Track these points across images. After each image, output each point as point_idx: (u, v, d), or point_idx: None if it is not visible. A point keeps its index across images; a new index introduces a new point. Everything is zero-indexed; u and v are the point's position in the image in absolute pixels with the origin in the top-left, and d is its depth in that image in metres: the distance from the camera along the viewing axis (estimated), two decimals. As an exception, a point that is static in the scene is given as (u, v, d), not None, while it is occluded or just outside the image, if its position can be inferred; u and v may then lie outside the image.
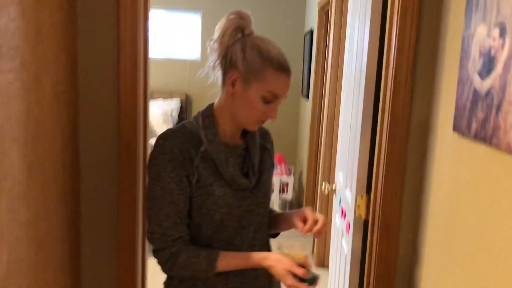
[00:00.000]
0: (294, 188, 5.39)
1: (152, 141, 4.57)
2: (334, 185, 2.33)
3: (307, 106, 4.91)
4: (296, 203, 5.30)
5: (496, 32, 1.02)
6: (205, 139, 1.19)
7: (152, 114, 5.20)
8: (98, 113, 1.52)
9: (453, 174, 1.26)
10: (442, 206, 1.32)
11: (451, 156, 1.27)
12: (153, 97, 5.67)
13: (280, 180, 4.96)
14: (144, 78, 1.61)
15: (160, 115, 5.31)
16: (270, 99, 1.18)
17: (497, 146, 1.00)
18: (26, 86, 1.13)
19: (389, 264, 1.55)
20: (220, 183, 1.18)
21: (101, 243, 1.60)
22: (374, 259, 1.56)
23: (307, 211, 1.26)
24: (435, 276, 1.35)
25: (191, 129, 1.22)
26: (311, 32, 4.84)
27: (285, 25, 5.71)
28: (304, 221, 1.25)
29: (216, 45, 1.20)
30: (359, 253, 1.76)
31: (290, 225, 1.31)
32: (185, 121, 1.26)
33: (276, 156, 5.25)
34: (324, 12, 4.26)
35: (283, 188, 5.04)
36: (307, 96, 4.93)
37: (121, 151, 1.55)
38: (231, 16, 1.18)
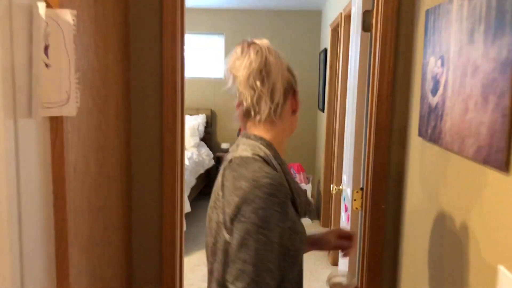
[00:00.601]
0: (312, 195, 5.74)
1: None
2: (340, 186, 2.70)
3: (323, 118, 5.29)
4: (314, 210, 5.64)
5: (439, 62, 1.41)
6: (281, 170, 1.09)
7: (181, 129, 5.66)
8: (146, 127, 1.95)
9: (420, 169, 1.63)
10: (415, 194, 1.69)
11: (417, 155, 1.65)
12: (181, 113, 6.14)
13: (299, 188, 5.31)
14: (181, 99, 2.03)
15: (188, 129, 5.76)
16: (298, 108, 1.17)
17: (442, 146, 1.37)
18: (99, 108, 1.57)
19: (379, 243, 1.91)
20: (298, 217, 1.09)
21: (148, 231, 2.02)
22: (367, 239, 1.93)
23: (341, 230, 1.36)
24: (413, 248, 1.71)
25: (264, 159, 1.07)
26: (325, 51, 5.23)
27: (302, 44, 6.12)
28: (341, 237, 1.37)
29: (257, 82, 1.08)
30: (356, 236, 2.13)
31: (326, 246, 1.38)
32: (247, 153, 1.08)
33: (295, 165, 5.63)
34: (336, 33, 4.65)
35: (302, 195, 5.39)
36: (323, 110, 5.30)
37: (164, 157, 1.97)
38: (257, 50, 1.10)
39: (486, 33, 1.08)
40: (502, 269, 1.00)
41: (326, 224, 4.92)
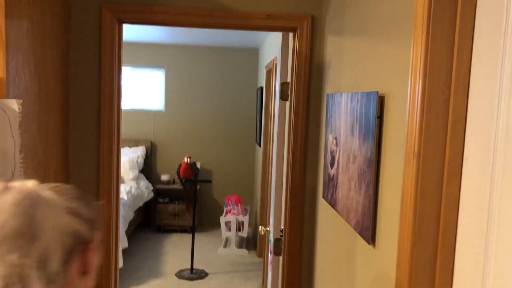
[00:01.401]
0: (251, 225, 5.99)
1: (122, 187, 5.12)
2: (268, 227, 2.96)
3: (260, 152, 5.58)
4: (252, 240, 5.88)
5: (334, 141, 1.70)
6: None
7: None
8: (85, 147, 2.11)
9: (323, 225, 1.92)
10: (321, 244, 1.97)
11: (322, 213, 1.93)
12: (121, 145, 6.21)
13: (237, 219, 5.55)
14: (117, 125, 2.20)
15: (127, 161, 5.85)
16: None
17: (337, 211, 1.66)
18: (40, 178, 1.73)
19: (295, 282, 2.17)
20: None
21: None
22: (283, 278, 2.19)
23: None
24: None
25: None
26: (262, 89, 5.56)
27: (241, 80, 6.43)
28: None
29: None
30: (276, 280, 2.39)
31: None
32: None
33: (233, 198, 5.86)
34: (270, 74, 4.99)
35: (239, 227, 5.62)
36: (260, 144, 5.60)
37: (100, 196, 2.14)
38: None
39: (360, 132, 1.38)
40: (371, 321, 1.28)
41: (261, 254, 5.16)
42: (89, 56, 2.05)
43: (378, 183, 1.26)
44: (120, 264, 4.30)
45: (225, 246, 5.57)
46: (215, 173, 6.49)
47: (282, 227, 2.36)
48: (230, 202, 5.82)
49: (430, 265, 1.03)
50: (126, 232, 4.85)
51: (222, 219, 5.57)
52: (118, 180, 2.27)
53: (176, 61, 6.38)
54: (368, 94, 1.31)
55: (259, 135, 5.73)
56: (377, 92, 1.24)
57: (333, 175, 1.70)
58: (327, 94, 1.84)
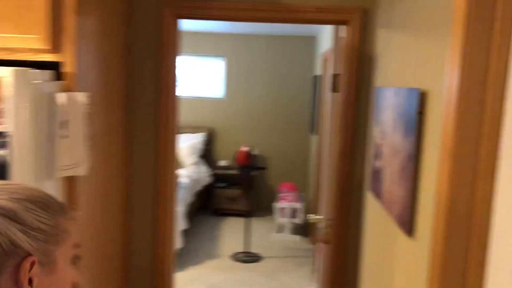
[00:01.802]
0: (304, 212, 6.06)
1: (179, 171, 5.36)
2: (318, 216, 3.02)
3: (314, 141, 5.61)
4: (305, 226, 5.95)
5: (380, 134, 1.73)
6: None
7: (180, 147, 5.98)
8: (142, 169, 2.28)
9: (369, 215, 1.95)
10: (367, 234, 2.01)
11: (368, 204, 1.97)
12: (181, 132, 6.47)
13: (291, 206, 5.64)
14: (173, 112, 2.32)
15: (188, 147, 6.09)
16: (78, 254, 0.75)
17: (382, 203, 1.70)
18: (105, 161, 1.90)
19: (342, 275, 2.23)
20: None
21: (142, 251, 2.35)
22: (331, 265, 2.26)
23: None
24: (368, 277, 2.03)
25: None
26: (317, 77, 5.56)
27: (296, 68, 6.45)
28: None
29: None
30: (325, 267, 2.45)
31: None
32: None
33: (288, 185, 5.94)
34: (326, 63, 4.99)
35: (293, 213, 5.71)
36: (314, 132, 5.62)
37: (159, 186, 2.30)
38: None
39: (402, 127, 1.40)
40: (407, 310, 1.33)
41: (314, 241, 5.23)
42: (148, 50, 2.19)
43: (417, 178, 1.29)
44: (180, 244, 4.54)
45: (279, 231, 5.68)
46: (271, 160, 6.60)
47: (330, 216, 2.42)
48: (285, 189, 5.92)
49: (461, 258, 1.06)
50: (187, 214, 5.08)
51: (277, 206, 5.68)
52: (174, 164, 2.41)
53: (237, 49, 6.51)
54: (410, 90, 1.33)
55: (313, 124, 5.75)
56: (419, 88, 1.27)
57: (378, 168, 1.74)
58: (376, 87, 1.87)
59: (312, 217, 3.05)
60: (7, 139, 1.37)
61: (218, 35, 6.47)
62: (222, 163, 6.55)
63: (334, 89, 2.26)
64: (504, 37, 0.97)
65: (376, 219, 1.81)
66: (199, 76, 6.63)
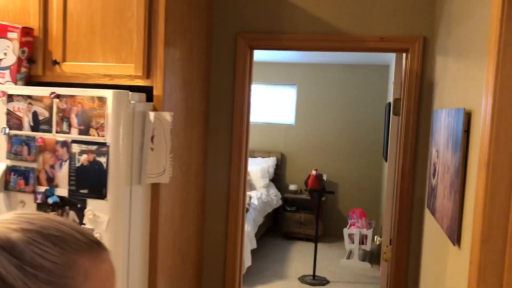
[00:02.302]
0: (373, 239, 6.01)
1: (250, 193, 5.60)
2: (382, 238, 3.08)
3: (387, 167, 5.61)
4: (376, 254, 5.90)
5: (436, 154, 1.83)
6: None
7: (252, 170, 6.24)
8: (218, 184, 2.51)
9: (428, 231, 2.02)
10: (426, 251, 2.07)
11: (427, 222, 2.04)
12: (253, 156, 6.74)
13: (360, 232, 5.64)
14: (246, 134, 2.54)
15: (259, 170, 6.33)
16: None
17: (435, 217, 1.78)
18: (183, 173, 2.15)
19: (400, 292, 2.29)
20: None
21: (214, 265, 2.56)
22: (393, 282, 2.32)
23: None
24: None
25: None
26: (390, 104, 5.61)
27: (369, 95, 6.53)
28: None
29: None
30: (385, 286, 2.51)
31: None
32: None
33: (357, 211, 5.95)
34: (398, 91, 5.04)
35: (362, 240, 5.70)
36: (387, 159, 5.63)
37: (230, 204, 2.52)
38: None
39: (452, 145, 1.51)
40: (454, 317, 1.40)
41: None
42: (225, 78, 2.45)
43: (464, 191, 1.39)
44: (249, 263, 4.73)
45: (348, 257, 5.68)
46: (341, 186, 6.65)
47: (392, 235, 2.50)
48: (354, 215, 5.93)
49: (498, 266, 1.15)
50: (256, 235, 5.27)
51: (346, 231, 5.70)
52: (245, 182, 2.63)
53: (308, 78, 6.73)
54: (458, 110, 1.45)
55: (386, 150, 5.75)
56: (464, 108, 1.38)
57: (434, 185, 1.83)
58: (433, 110, 1.97)
59: (378, 239, 3.12)
60: (106, 149, 1.66)
61: (290, 64, 6.74)
62: (292, 187, 6.70)
63: (395, 112, 2.38)
64: (533, 60, 1.08)
65: (432, 235, 1.89)
66: (271, 103, 6.91)
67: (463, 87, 1.50)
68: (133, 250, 1.76)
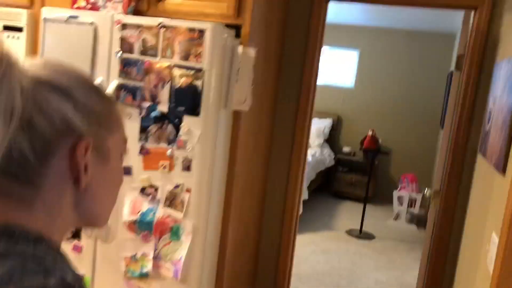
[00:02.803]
0: (424, 206, 6.15)
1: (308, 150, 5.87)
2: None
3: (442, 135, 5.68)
4: (423, 220, 6.05)
5: (492, 101, 2.01)
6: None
7: (309, 129, 6.46)
8: (283, 123, 2.79)
9: (477, 174, 2.22)
10: (474, 197, 2.27)
11: (477, 168, 2.23)
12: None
13: (410, 195, 5.80)
14: (313, 96, 2.81)
15: (315, 130, 6.56)
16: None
17: (486, 157, 1.97)
18: (259, 107, 2.44)
19: (449, 228, 2.51)
20: None
21: (274, 208, 2.87)
22: (440, 220, 2.54)
23: None
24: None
25: None
26: (452, 73, 5.61)
27: (432, 66, 6.52)
28: None
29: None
30: (430, 228, 2.73)
31: None
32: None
33: (409, 176, 6.09)
34: (462, 58, 5.06)
35: (411, 203, 5.86)
36: (443, 127, 5.69)
37: (294, 147, 2.80)
38: None
39: (508, 87, 1.70)
40: (493, 235, 1.63)
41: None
42: (298, 36, 2.69)
43: (514, 126, 1.58)
44: (300, 210, 5.04)
45: (395, 219, 5.88)
46: (394, 151, 6.77)
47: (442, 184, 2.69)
48: (405, 180, 6.08)
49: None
50: (308, 188, 5.56)
51: (396, 193, 5.88)
52: (307, 139, 2.89)
53: (371, 42, 6.78)
54: (509, 60, 1.62)
55: (443, 119, 5.80)
56: (522, 52, 1.56)
57: (488, 130, 2.01)
58: (495, 63, 2.13)
59: (429, 191, 3.31)
60: (202, 74, 1.96)
61: (354, 27, 6.80)
62: (346, 149, 6.89)
63: (458, 67, 2.53)
64: None
65: (481, 173, 2.08)
66: (332, 65, 7.04)
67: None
68: (217, 165, 2.09)
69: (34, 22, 2.66)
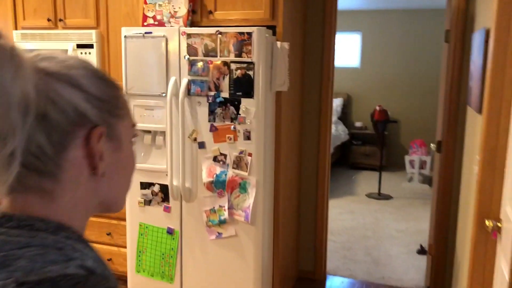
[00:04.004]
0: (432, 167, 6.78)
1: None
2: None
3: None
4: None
5: (473, 64, 2.65)
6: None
7: (323, 109, 7.10)
8: (311, 100, 3.45)
9: (468, 127, 2.87)
10: (468, 142, 2.91)
11: (468, 115, 2.88)
12: (323, 97, 7.59)
13: (420, 158, 6.45)
14: (332, 77, 3.47)
15: (328, 109, 7.19)
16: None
17: (471, 105, 2.62)
18: (293, 88, 3.10)
19: (451, 180, 3.17)
20: None
21: (309, 173, 3.54)
22: (441, 172, 3.20)
23: None
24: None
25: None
26: (447, 44, 6.22)
27: (426, 40, 7.11)
28: None
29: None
30: (436, 174, 3.38)
31: None
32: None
33: (418, 141, 6.72)
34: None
35: (422, 165, 6.50)
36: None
37: (321, 125, 3.46)
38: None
39: (479, 51, 2.34)
40: (476, 156, 2.28)
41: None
42: (316, 25, 3.34)
43: (484, 78, 2.23)
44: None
45: (409, 181, 6.53)
46: (402, 122, 7.40)
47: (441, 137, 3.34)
48: (415, 145, 6.72)
49: (500, 114, 2.01)
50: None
51: (407, 158, 6.53)
52: (331, 117, 3.54)
53: (371, 24, 7.40)
54: (482, 29, 2.27)
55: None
56: (485, 27, 2.21)
57: (471, 85, 2.66)
58: (472, 34, 2.77)
59: (433, 145, 3.96)
60: (252, 66, 2.62)
61: (355, 12, 7.41)
62: (358, 124, 7.53)
63: (447, 40, 3.17)
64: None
65: (470, 122, 2.74)
66: (337, 48, 7.65)
67: (491, 12, 2.31)
68: (268, 132, 2.76)
69: (101, 39, 3.36)
